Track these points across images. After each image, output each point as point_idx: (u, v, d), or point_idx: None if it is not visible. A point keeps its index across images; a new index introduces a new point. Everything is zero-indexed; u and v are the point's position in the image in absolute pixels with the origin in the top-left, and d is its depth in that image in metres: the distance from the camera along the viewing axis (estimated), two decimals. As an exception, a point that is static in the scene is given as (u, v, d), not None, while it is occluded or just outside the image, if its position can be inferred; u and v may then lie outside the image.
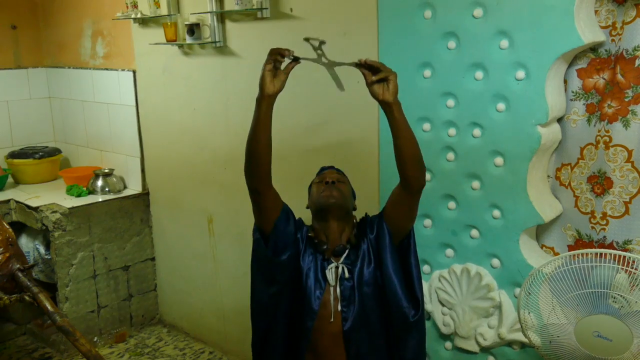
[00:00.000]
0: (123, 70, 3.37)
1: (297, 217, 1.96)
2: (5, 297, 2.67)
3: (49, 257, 3.27)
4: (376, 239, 1.87)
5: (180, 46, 3.01)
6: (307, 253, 1.90)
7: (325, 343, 1.86)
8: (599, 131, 1.93)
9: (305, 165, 2.55)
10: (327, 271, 1.86)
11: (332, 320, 1.84)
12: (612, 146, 1.89)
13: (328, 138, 2.53)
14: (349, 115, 2.43)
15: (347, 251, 1.87)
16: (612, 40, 1.88)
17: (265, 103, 1.72)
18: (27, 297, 2.69)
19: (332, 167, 2.04)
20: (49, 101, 3.94)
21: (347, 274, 1.84)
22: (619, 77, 1.86)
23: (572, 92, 1.99)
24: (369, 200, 2.35)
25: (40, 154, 3.69)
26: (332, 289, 1.85)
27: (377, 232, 1.87)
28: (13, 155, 3.66)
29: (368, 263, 1.86)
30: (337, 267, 1.85)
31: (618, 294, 1.59)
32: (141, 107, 3.34)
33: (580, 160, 2.00)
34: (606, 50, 1.90)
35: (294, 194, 2.21)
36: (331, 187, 1.87)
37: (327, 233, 1.88)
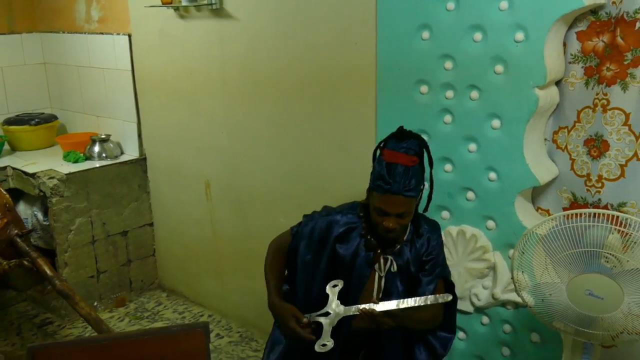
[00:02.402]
0: (118, 34, 3.33)
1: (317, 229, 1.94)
2: (5, 263, 2.70)
3: (47, 223, 3.29)
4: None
5: (176, 9, 2.97)
6: (351, 241, 1.90)
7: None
8: (597, 94, 1.92)
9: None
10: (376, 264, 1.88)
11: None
12: (610, 109, 1.90)
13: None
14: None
15: (398, 247, 1.88)
16: (613, 2, 1.87)
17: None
18: (26, 262, 2.72)
19: (398, 190, 1.74)
20: (44, 67, 3.90)
21: (394, 268, 1.86)
22: (619, 40, 1.85)
23: (571, 54, 1.98)
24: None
25: (37, 120, 3.67)
26: (377, 277, 1.88)
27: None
28: (9, 122, 3.64)
29: (410, 266, 1.89)
30: (386, 259, 1.87)
31: (610, 254, 1.61)
32: (137, 71, 3.31)
33: (577, 124, 2.01)
34: (606, 13, 1.89)
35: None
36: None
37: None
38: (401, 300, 1.74)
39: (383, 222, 1.77)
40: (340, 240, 1.90)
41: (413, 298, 1.75)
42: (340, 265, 1.90)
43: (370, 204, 1.83)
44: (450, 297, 1.75)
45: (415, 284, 1.88)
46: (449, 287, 1.95)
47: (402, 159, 1.74)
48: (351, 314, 1.77)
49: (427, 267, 1.88)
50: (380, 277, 1.88)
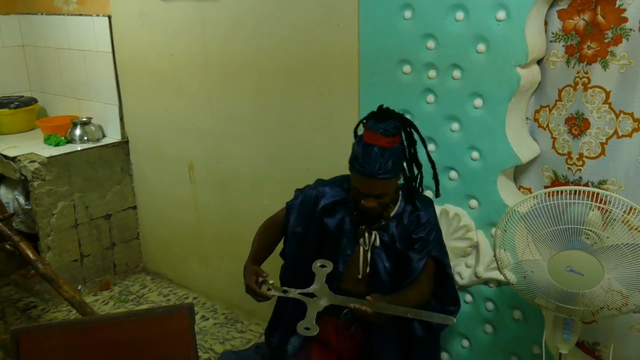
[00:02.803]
0: (98, 15, 3.27)
1: (307, 197, 1.97)
2: (-13, 247, 2.67)
3: (29, 207, 3.25)
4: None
5: (156, -11, 2.92)
6: (337, 214, 1.91)
7: (351, 288, 1.91)
8: (578, 72, 1.93)
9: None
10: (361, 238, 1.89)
11: (359, 277, 1.89)
12: (591, 87, 1.90)
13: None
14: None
15: (383, 222, 1.88)
16: (594, -20, 1.87)
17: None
18: (8, 246, 2.69)
19: (373, 172, 1.73)
20: (23, 49, 3.83)
21: (378, 242, 1.87)
22: (600, 18, 1.85)
23: (552, 33, 1.99)
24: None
25: (16, 103, 3.61)
26: (362, 251, 1.89)
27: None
28: (-13, 105, 3.58)
29: (396, 243, 1.89)
30: (370, 234, 1.88)
31: (591, 230, 1.63)
32: (118, 53, 3.26)
33: (558, 102, 2.02)
34: (587, -9, 1.89)
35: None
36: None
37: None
38: (399, 308, 1.71)
39: (362, 201, 1.79)
40: (326, 212, 1.92)
41: (414, 310, 1.72)
42: (327, 237, 1.92)
43: (350, 190, 1.85)
44: (454, 321, 1.74)
45: (402, 261, 1.88)
46: (440, 268, 1.94)
47: (380, 141, 1.72)
48: (340, 304, 1.76)
49: (417, 246, 1.87)
50: (365, 251, 1.89)
